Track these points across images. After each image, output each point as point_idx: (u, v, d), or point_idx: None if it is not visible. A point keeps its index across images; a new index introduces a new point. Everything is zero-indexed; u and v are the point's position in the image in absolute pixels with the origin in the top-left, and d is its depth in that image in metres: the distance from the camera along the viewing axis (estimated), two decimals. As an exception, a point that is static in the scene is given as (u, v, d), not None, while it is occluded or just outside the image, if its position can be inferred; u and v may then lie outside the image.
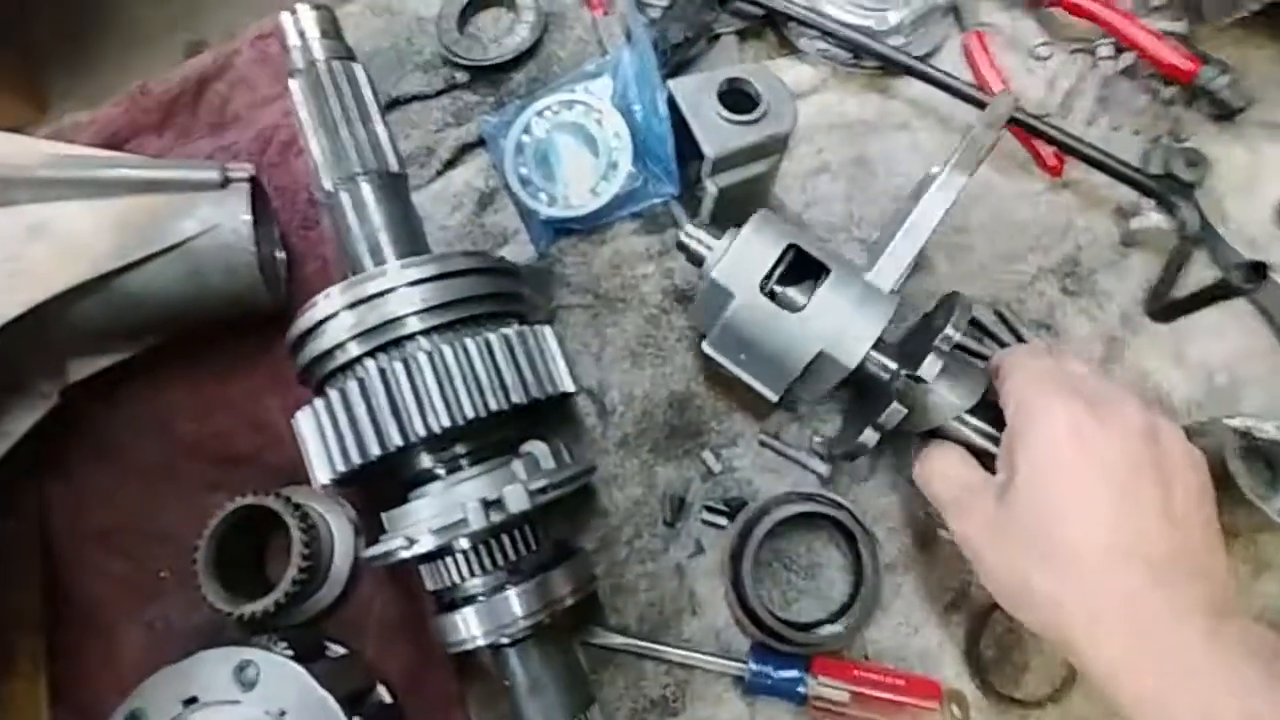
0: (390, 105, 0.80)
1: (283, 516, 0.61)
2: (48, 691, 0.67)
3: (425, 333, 0.55)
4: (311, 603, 0.65)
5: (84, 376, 0.68)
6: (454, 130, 0.79)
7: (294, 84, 0.63)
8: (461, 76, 0.81)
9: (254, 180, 0.68)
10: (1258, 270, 0.58)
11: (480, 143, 0.78)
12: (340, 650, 0.64)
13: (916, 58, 0.72)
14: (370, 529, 0.67)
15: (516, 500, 0.50)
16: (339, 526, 0.67)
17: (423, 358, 0.53)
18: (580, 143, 0.74)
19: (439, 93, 0.81)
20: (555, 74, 0.80)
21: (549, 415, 0.66)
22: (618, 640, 0.63)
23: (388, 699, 0.63)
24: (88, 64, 2.45)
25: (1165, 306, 0.65)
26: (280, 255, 0.75)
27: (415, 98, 0.81)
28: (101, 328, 0.65)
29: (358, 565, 0.67)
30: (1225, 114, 0.72)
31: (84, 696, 0.67)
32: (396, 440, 0.51)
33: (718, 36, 0.78)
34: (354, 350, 0.55)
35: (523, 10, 0.82)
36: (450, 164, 0.78)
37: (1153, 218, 0.68)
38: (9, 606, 0.67)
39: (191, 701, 0.57)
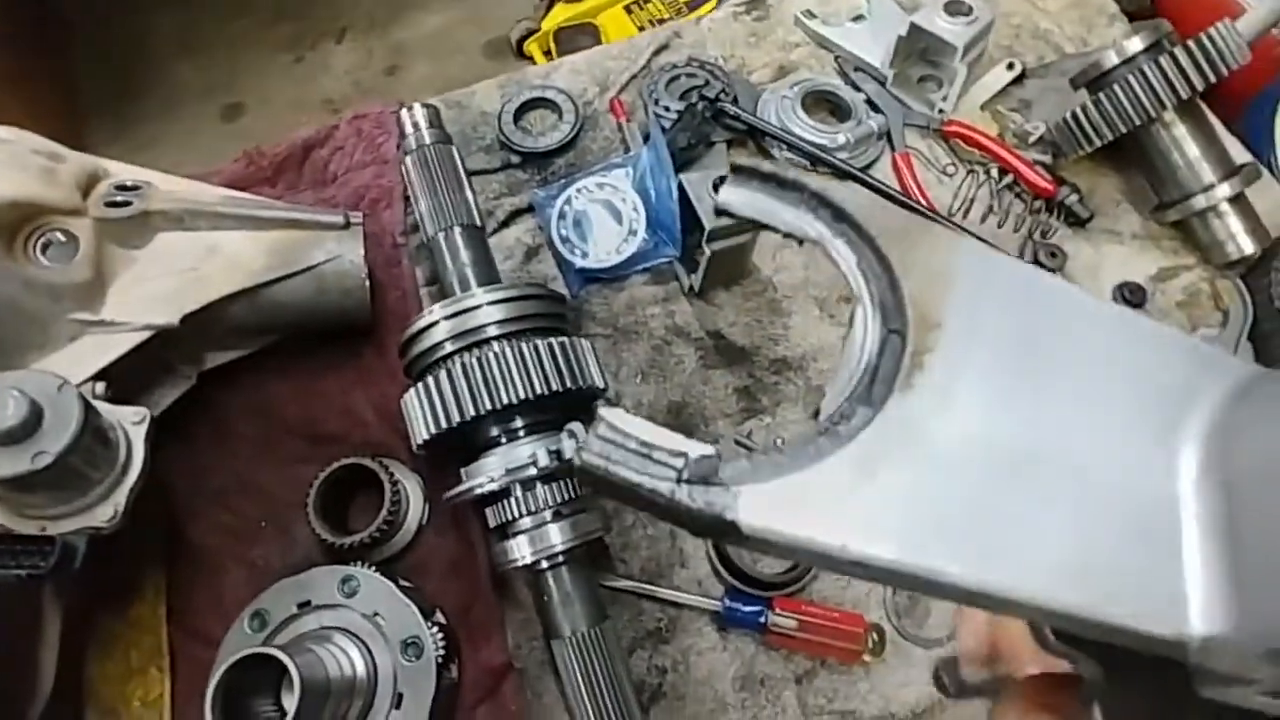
0: (459, 177, 1.03)
1: (377, 472, 0.81)
2: (165, 615, 0.84)
3: (499, 338, 0.77)
4: (388, 546, 0.84)
5: (215, 365, 0.88)
6: (508, 199, 1.03)
7: (408, 160, 0.87)
8: (515, 159, 1.06)
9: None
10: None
11: (528, 209, 1.02)
12: (408, 584, 0.82)
13: (858, 168, 0.99)
14: (435, 496, 0.87)
15: (570, 449, 0.71)
16: (413, 492, 0.87)
17: (499, 353, 0.74)
18: (608, 214, 0.98)
19: (497, 170, 1.06)
20: (588, 162, 1.05)
21: (581, 414, 0.87)
22: (624, 584, 0.83)
23: (444, 621, 0.81)
24: (130, 120, 2.68)
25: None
26: (368, 284, 0.96)
27: (479, 172, 1.05)
28: (244, 326, 0.85)
29: (424, 524, 0.86)
30: (1077, 222, 0.99)
31: (193, 621, 0.84)
32: (479, 410, 0.72)
33: (713, 143, 1.04)
34: (449, 348, 0.76)
35: (564, 113, 1.08)
36: (504, 224, 1.02)
37: (1023, 291, 0.93)
38: (138, 547, 0.85)
39: (305, 604, 0.75)
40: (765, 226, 0.44)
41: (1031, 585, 0.25)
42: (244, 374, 0.91)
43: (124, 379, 0.77)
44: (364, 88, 2.60)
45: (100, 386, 0.74)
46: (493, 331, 0.76)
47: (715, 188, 0.86)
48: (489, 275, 0.83)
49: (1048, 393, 0.30)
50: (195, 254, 0.81)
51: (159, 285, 0.79)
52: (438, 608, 0.82)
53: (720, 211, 0.83)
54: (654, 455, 0.28)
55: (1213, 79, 0.87)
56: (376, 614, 0.74)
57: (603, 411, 0.30)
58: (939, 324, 0.32)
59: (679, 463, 0.28)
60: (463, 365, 0.73)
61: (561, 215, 0.97)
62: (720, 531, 0.27)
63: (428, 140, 0.87)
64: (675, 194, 0.90)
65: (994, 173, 1.01)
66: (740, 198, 0.47)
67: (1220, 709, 0.24)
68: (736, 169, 0.48)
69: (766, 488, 0.27)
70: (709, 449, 0.28)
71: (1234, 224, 0.94)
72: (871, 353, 0.31)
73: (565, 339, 0.77)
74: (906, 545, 0.26)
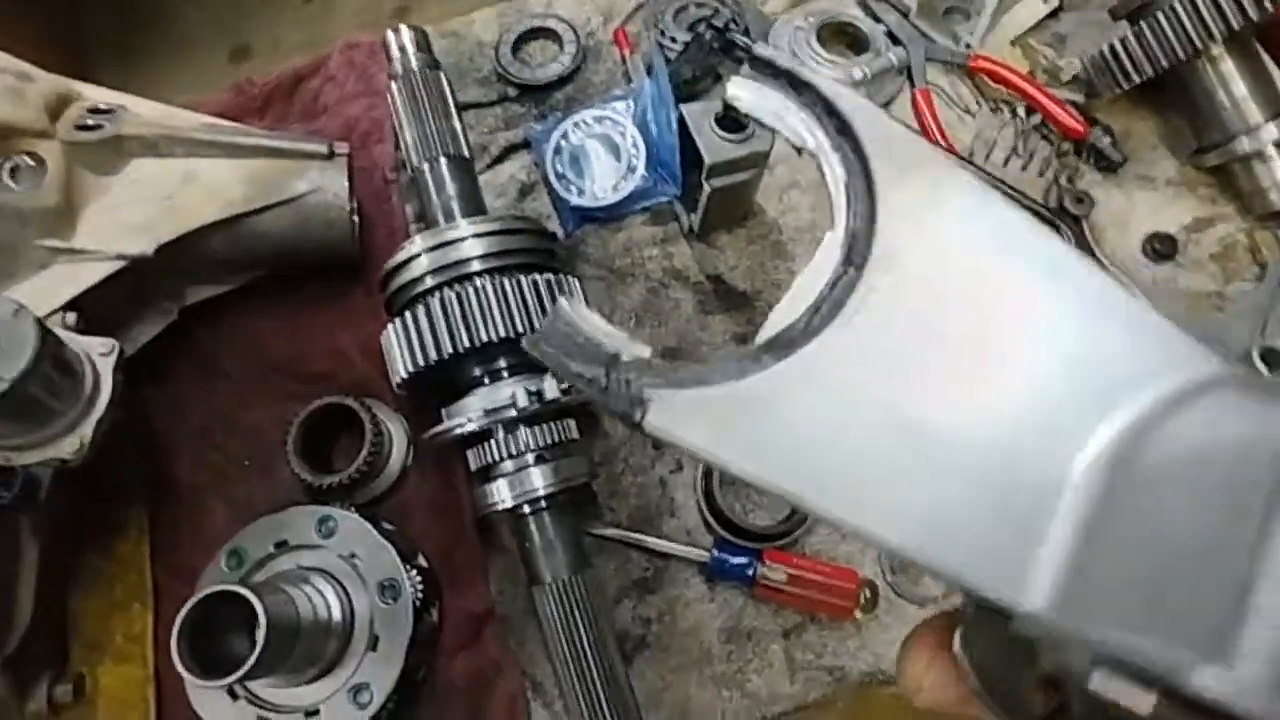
0: (454, 109, 0.99)
1: (357, 411, 0.79)
2: (149, 552, 0.83)
3: (483, 272, 0.73)
4: (371, 488, 0.82)
5: (198, 300, 0.86)
6: (503, 133, 0.98)
7: (394, 86, 0.82)
8: (512, 91, 1.01)
9: (348, 157, 0.86)
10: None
11: (524, 145, 0.98)
12: (390, 526, 0.81)
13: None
14: (419, 438, 0.84)
15: (551, 390, 0.68)
16: (397, 433, 0.84)
17: (480, 289, 0.70)
18: (606, 149, 0.93)
19: (493, 103, 1.01)
20: (589, 95, 1.00)
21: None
22: (610, 531, 0.80)
23: (426, 565, 0.79)
24: (136, 62, 2.64)
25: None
26: (357, 219, 0.93)
27: (474, 105, 1.00)
28: (224, 259, 0.82)
29: (407, 465, 0.84)
30: (1108, 166, 0.92)
31: (177, 558, 0.83)
32: (459, 346, 0.69)
33: (719, 77, 0.98)
34: (430, 282, 0.73)
35: (565, 44, 1.02)
36: (499, 159, 0.97)
37: (1045, 239, 0.87)
38: (121, 484, 0.83)
39: (282, 544, 0.73)
40: (766, 127, 0.42)
41: (891, 533, 0.27)
42: (229, 309, 0.88)
43: (101, 311, 0.75)
44: (374, 29, 2.53)
45: (71, 317, 0.72)
46: (476, 266, 0.73)
47: (718, 120, 0.81)
48: (475, 207, 0.79)
49: (989, 351, 0.30)
50: (171, 182, 0.78)
51: (132, 213, 0.76)
52: (419, 551, 0.80)
53: (725, 128, 0.77)
54: (590, 350, 0.31)
55: (1269, 7, 0.79)
56: (354, 555, 0.73)
57: (563, 301, 0.32)
58: (900, 264, 0.31)
59: (610, 360, 0.30)
60: (442, 300, 0.70)
61: (558, 150, 0.93)
62: (632, 427, 0.30)
63: (414, 65, 0.82)
64: (675, 127, 0.85)
65: (1021, 112, 0.95)
66: (750, 93, 0.43)
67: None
68: (754, 60, 0.44)
69: (676, 395, 0.28)
70: (644, 351, 0.30)
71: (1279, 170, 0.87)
72: (825, 284, 0.31)
73: (552, 275, 0.74)
74: (784, 474, 0.27)
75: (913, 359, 0.29)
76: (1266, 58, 0.90)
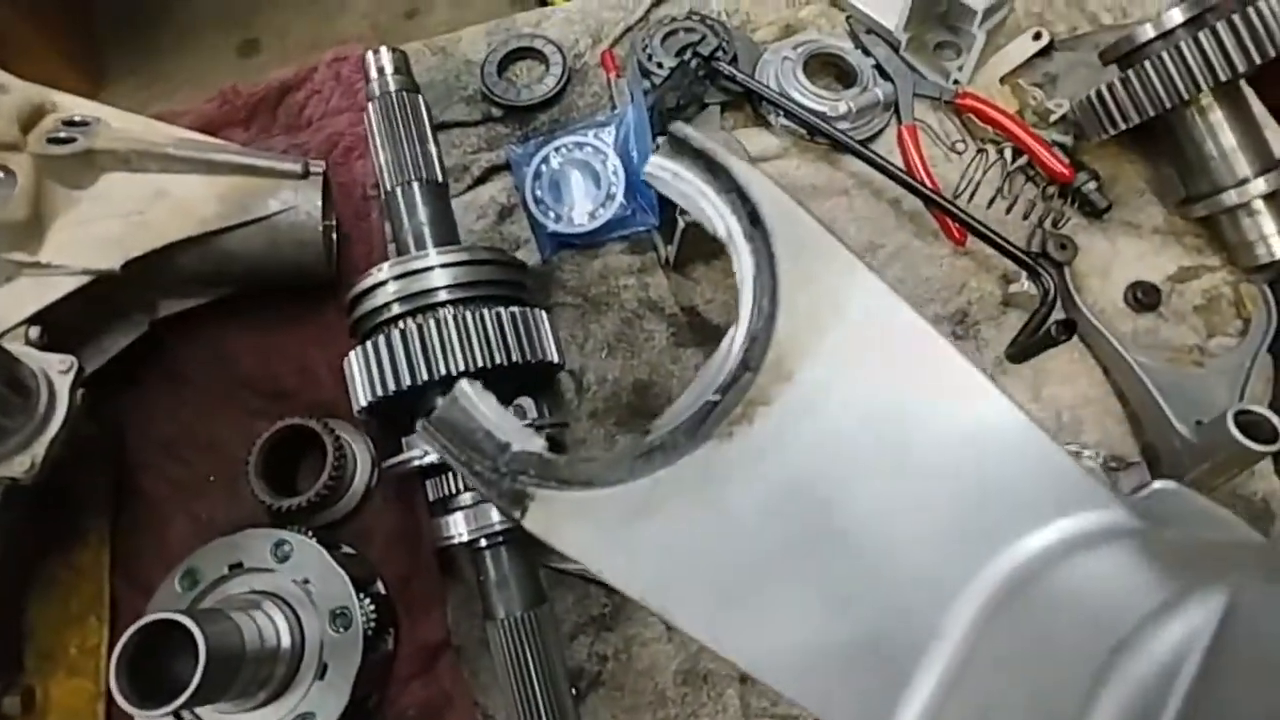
0: (437, 128, 0.98)
1: (320, 434, 0.78)
2: (109, 564, 0.82)
3: (450, 302, 0.72)
4: (332, 511, 0.81)
5: (170, 313, 0.86)
6: (486, 154, 0.98)
7: (370, 107, 0.82)
8: (497, 112, 1.01)
9: (324, 175, 0.86)
10: (1068, 326, 0.76)
11: (506, 166, 0.97)
12: (350, 551, 0.80)
13: (859, 141, 0.91)
14: (384, 461, 0.84)
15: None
16: (361, 456, 0.84)
17: (446, 319, 0.70)
18: (586, 176, 0.92)
19: (477, 123, 1.00)
20: (573, 119, 0.99)
21: (539, 385, 0.83)
22: (571, 566, 0.80)
23: (383, 591, 0.79)
24: (145, 52, 2.65)
25: (1017, 351, 0.83)
26: (334, 237, 0.92)
27: (457, 124, 1.00)
28: (194, 276, 0.82)
29: (371, 488, 0.84)
30: (1094, 212, 0.91)
31: (137, 571, 0.82)
32: (421, 377, 0.68)
33: (705, 105, 0.97)
34: (396, 310, 0.72)
35: (552, 65, 1.01)
36: (480, 181, 0.97)
37: (1025, 285, 0.86)
38: (85, 493, 0.83)
39: (237, 566, 0.73)
40: (680, 211, 0.41)
41: (754, 661, 0.26)
42: (202, 323, 0.88)
43: (70, 322, 0.75)
44: (381, 30, 2.54)
45: (35, 331, 0.71)
46: (442, 296, 0.72)
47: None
48: (446, 234, 0.78)
49: (878, 476, 0.28)
50: (142, 197, 0.77)
51: (102, 228, 0.75)
52: (378, 577, 0.79)
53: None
54: (481, 442, 0.31)
55: (1258, 60, 0.78)
56: (307, 581, 0.72)
57: (463, 385, 0.33)
58: (791, 375, 0.30)
59: (499, 454, 0.30)
60: (402, 332, 0.69)
61: (537, 175, 0.92)
62: (513, 523, 0.29)
63: (392, 87, 0.82)
64: (654, 159, 0.84)
65: (1007, 153, 0.94)
66: (666, 173, 0.42)
67: None
68: (671, 139, 0.43)
69: (556, 498, 0.28)
70: (536, 444, 0.31)
71: (1267, 224, 0.85)
72: (721, 384, 0.29)
73: (518, 309, 0.73)
74: (652, 589, 0.27)
75: (795, 480, 0.28)
76: (1259, 108, 0.89)
